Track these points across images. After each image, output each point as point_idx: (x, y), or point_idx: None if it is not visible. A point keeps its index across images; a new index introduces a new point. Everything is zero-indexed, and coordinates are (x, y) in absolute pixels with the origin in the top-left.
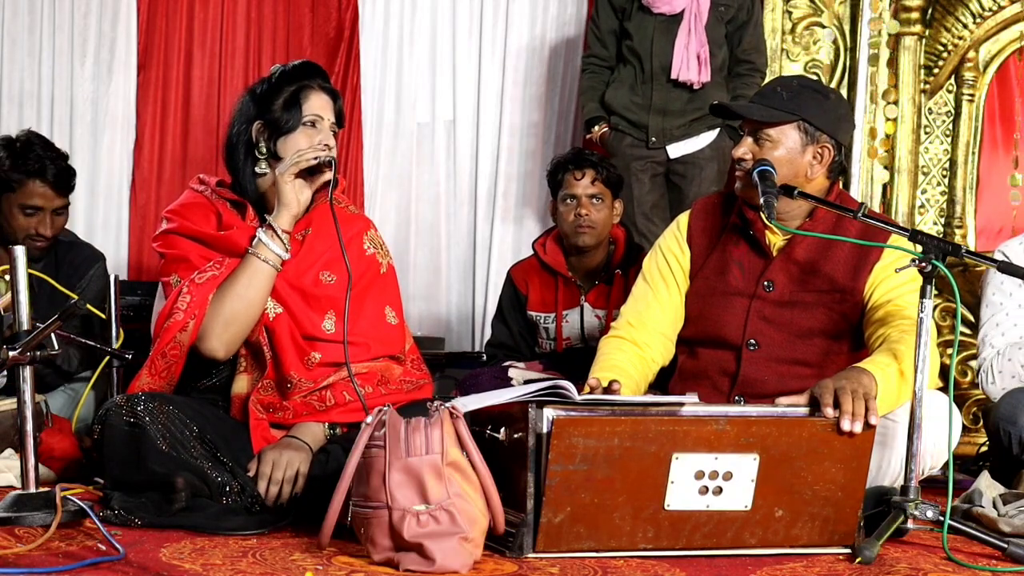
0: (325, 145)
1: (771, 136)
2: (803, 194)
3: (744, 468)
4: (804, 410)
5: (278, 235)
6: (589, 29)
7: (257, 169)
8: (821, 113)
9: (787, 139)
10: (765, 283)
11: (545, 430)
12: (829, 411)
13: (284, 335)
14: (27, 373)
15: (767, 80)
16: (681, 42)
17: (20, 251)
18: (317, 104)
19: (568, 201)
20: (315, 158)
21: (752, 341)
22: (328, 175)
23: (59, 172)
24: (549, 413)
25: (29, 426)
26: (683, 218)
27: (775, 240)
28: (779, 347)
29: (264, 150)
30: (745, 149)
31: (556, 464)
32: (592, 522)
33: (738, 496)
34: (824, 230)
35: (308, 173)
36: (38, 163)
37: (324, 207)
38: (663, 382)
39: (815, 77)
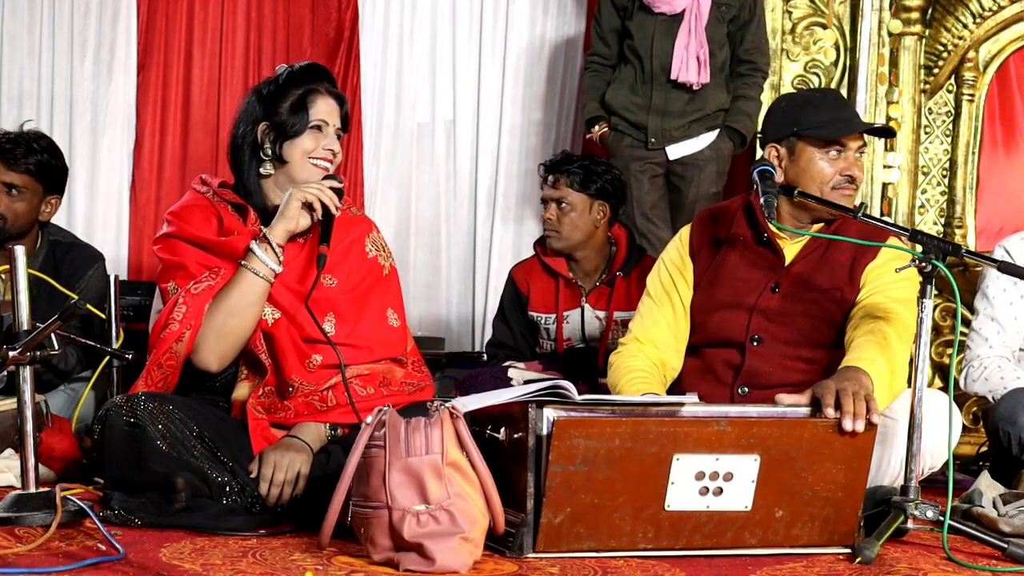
0: (338, 189)
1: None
2: (803, 194)
3: (745, 469)
4: (805, 410)
5: (272, 248)
6: (592, 27)
7: (262, 170)
8: None
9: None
10: (772, 285)
11: (545, 432)
12: (830, 411)
13: (284, 339)
14: (27, 373)
15: (767, 81)
16: (681, 43)
17: (20, 251)
18: (324, 109)
19: (543, 206)
20: (331, 199)
21: (756, 337)
22: (326, 222)
23: (21, 150)
24: (550, 414)
25: (29, 426)
26: (685, 231)
27: (784, 244)
28: (782, 343)
29: (269, 152)
30: (855, 166)
31: (557, 465)
32: (592, 522)
33: (738, 497)
34: (827, 231)
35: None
36: (2, 140)
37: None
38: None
39: (815, 77)
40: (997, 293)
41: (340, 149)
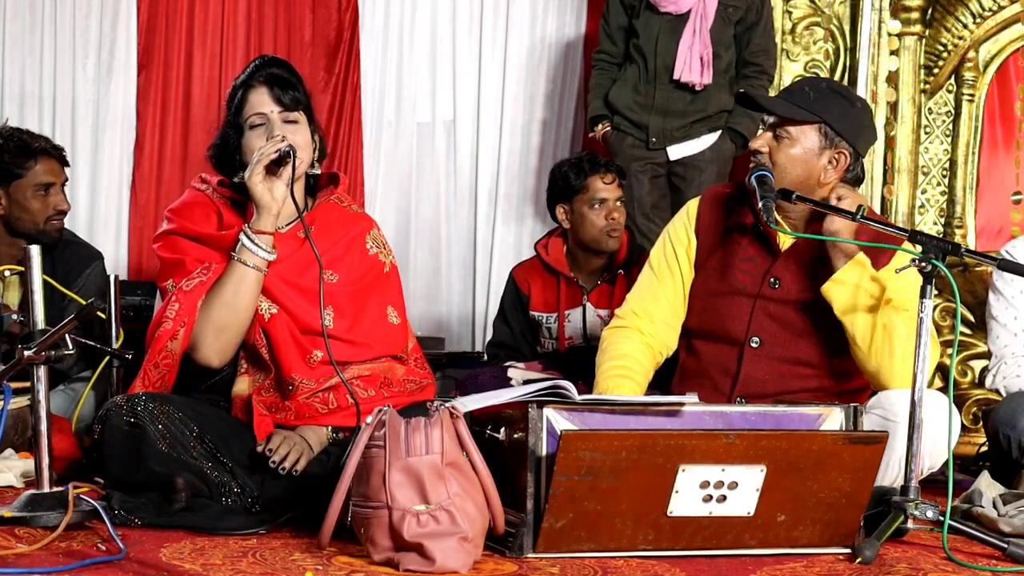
0: (282, 136)
1: (790, 133)
2: (801, 198)
3: (750, 478)
4: (814, 421)
5: (260, 239)
6: (600, 25)
7: (236, 179)
8: (844, 119)
9: (806, 139)
10: (771, 280)
11: (546, 452)
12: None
13: (283, 334)
14: (41, 373)
15: (773, 82)
16: (685, 43)
17: (35, 251)
18: (255, 102)
19: (597, 205)
20: (275, 151)
21: (755, 339)
22: (294, 166)
23: (56, 146)
24: (551, 416)
25: (43, 426)
26: (693, 205)
27: (784, 238)
28: (781, 346)
29: (239, 160)
30: (763, 142)
31: (561, 475)
32: (593, 527)
33: (742, 504)
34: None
35: (276, 165)
36: (36, 143)
37: (326, 206)
38: (665, 382)
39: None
40: (1008, 321)
41: (298, 130)
